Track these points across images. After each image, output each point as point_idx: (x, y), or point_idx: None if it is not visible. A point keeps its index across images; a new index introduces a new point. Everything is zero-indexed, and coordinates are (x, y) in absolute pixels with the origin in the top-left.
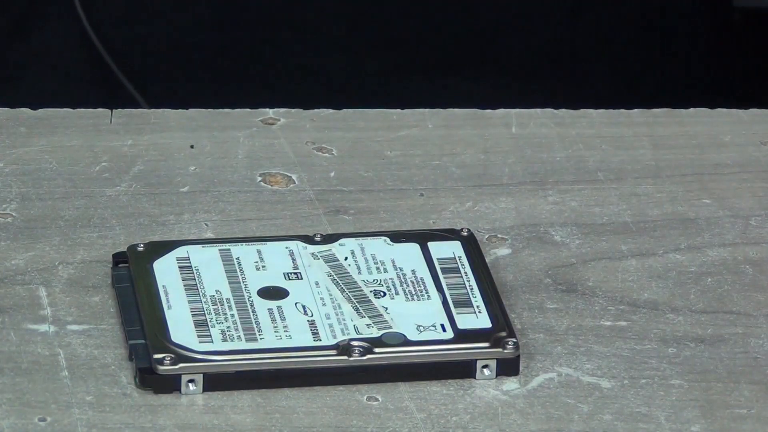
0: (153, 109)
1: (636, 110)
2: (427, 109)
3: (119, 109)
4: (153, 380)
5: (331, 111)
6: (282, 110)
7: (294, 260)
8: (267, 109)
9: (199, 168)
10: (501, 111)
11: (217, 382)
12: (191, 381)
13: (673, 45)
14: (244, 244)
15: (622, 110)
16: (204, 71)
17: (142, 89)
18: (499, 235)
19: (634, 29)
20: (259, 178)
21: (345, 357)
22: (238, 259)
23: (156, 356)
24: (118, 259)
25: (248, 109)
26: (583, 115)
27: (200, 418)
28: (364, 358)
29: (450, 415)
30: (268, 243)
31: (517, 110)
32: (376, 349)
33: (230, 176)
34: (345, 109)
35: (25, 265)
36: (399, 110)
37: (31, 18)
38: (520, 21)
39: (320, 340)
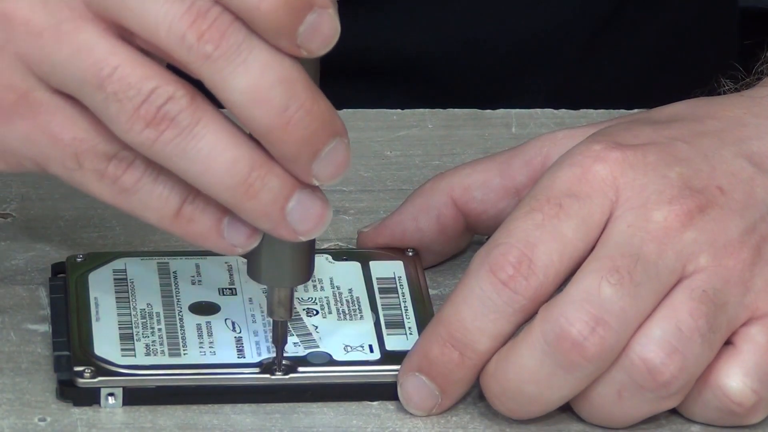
0: None
1: (636, 110)
2: (427, 109)
3: None
4: (72, 392)
5: None
6: None
7: (231, 275)
8: None
9: None
10: (501, 111)
11: (137, 396)
12: (111, 394)
13: (674, 44)
14: (184, 258)
15: (622, 110)
16: None
17: None
18: None
19: (635, 29)
20: None
21: (267, 375)
22: (174, 273)
23: (77, 368)
24: (57, 269)
25: None
26: (583, 115)
27: (200, 418)
28: (287, 377)
29: (450, 415)
30: (208, 257)
31: (517, 110)
32: (300, 368)
33: None
34: (345, 109)
35: (25, 265)
36: (399, 110)
37: None
38: (519, 20)
39: (244, 358)
